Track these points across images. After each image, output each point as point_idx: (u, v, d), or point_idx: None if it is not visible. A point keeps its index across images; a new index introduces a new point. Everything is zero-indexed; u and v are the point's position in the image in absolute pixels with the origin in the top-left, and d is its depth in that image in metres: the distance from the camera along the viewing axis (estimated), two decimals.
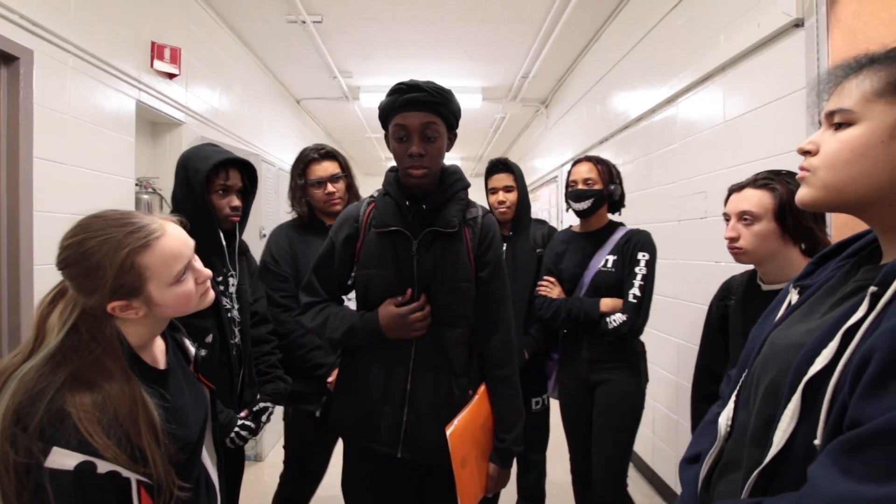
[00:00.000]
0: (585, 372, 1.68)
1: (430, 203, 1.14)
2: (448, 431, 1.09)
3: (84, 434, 0.62)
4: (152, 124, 2.68)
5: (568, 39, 3.46)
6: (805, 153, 0.60)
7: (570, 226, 1.87)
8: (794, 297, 0.65)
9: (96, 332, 0.71)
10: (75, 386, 0.65)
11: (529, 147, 5.93)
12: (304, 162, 1.68)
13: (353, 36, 3.51)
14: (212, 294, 0.85)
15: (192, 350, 0.94)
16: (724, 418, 0.64)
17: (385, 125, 1.15)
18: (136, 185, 2.37)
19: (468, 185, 1.22)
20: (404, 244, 1.14)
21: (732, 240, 1.19)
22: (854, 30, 1.52)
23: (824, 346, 0.51)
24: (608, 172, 1.70)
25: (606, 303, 1.62)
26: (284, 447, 1.74)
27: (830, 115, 0.58)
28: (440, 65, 4.05)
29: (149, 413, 0.69)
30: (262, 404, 1.41)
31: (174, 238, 0.77)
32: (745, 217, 1.17)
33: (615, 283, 1.62)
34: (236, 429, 1.29)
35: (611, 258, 1.65)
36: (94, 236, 0.72)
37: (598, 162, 1.71)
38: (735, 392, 0.65)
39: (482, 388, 1.18)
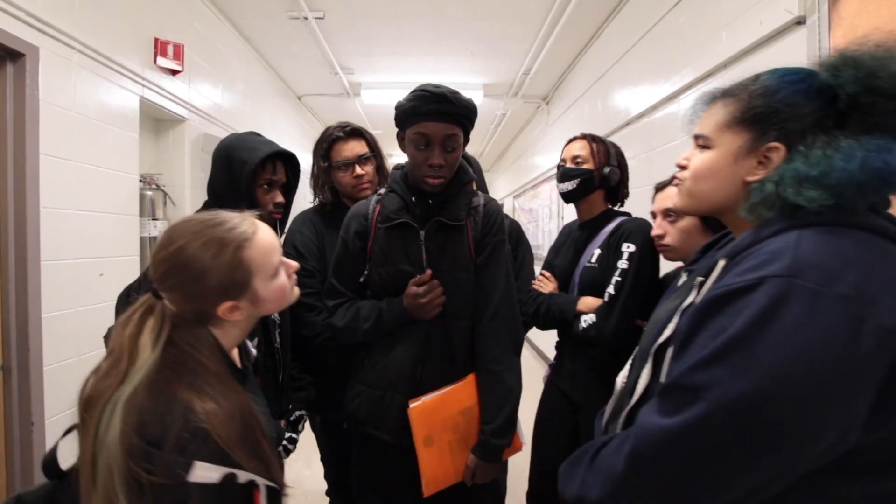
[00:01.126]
0: (568, 387, 1.43)
1: (437, 198, 1.18)
2: (410, 406, 1.12)
3: (224, 447, 0.63)
4: (156, 121, 2.68)
5: (569, 36, 3.46)
6: (680, 167, 0.74)
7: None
8: (682, 280, 0.78)
9: (195, 342, 0.70)
10: (198, 399, 0.65)
11: (530, 144, 5.93)
12: (328, 142, 1.49)
13: (354, 32, 3.51)
14: (297, 288, 0.85)
15: (253, 351, 0.94)
16: (621, 377, 0.78)
17: (402, 127, 1.15)
18: (140, 181, 2.38)
19: (473, 178, 1.24)
20: (412, 235, 1.17)
21: (659, 237, 1.23)
22: (856, 27, 1.53)
23: (669, 322, 0.66)
24: (604, 152, 1.44)
25: (586, 301, 1.37)
26: (322, 461, 1.65)
27: (696, 137, 0.72)
28: (441, 61, 4.05)
29: (258, 418, 0.70)
30: (297, 413, 1.33)
31: (267, 230, 0.78)
32: (669, 214, 1.22)
33: (598, 281, 1.36)
34: (284, 441, 1.24)
35: (597, 252, 1.41)
36: (194, 240, 0.71)
37: (592, 139, 1.46)
38: (632, 357, 0.79)
39: (471, 375, 1.18)
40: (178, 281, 0.70)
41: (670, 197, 1.19)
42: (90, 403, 0.65)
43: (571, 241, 1.53)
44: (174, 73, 2.54)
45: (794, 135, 0.62)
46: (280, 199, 1.27)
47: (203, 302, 0.71)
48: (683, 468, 0.55)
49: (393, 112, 1.15)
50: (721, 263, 0.64)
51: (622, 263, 1.33)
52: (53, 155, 1.77)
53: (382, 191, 1.25)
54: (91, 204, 1.98)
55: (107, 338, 1.21)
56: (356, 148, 1.49)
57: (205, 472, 0.62)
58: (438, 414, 1.13)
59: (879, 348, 0.51)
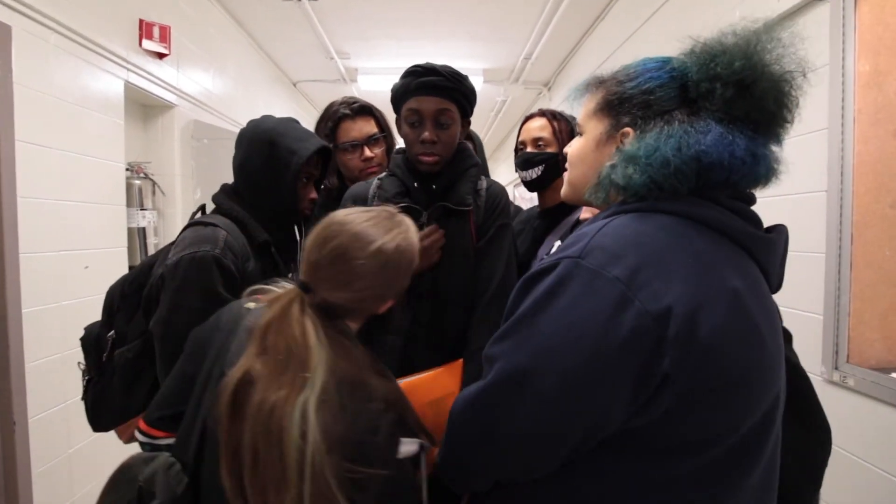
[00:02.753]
0: None
1: (441, 182, 1.12)
2: None
3: (413, 423, 0.71)
4: (143, 107, 2.58)
5: (573, 18, 3.33)
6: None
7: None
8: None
9: (348, 333, 0.74)
10: (381, 383, 0.70)
11: None
12: (334, 121, 1.36)
13: (350, 14, 3.39)
14: None
15: None
16: None
17: (397, 109, 1.12)
18: (127, 169, 2.29)
19: (478, 163, 1.18)
20: (413, 218, 1.09)
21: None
22: (883, 3, 1.43)
23: None
24: (567, 131, 1.28)
25: None
26: None
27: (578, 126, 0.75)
28: (440, 45, 3.92)
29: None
30: None
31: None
32: None
33: None
34: None
35: (557, 244, 1.23)
36: (390, 240, 0.75)
37: (553, 117, 1.30)
38: None
39: (458, 362, 1.09)
40: (374, 280, 0.73)
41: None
42: (261, 409, 0.62)
43: (530, 230, 1.41)
44: (161, 56, 2.44)
45: (643, 120, 0.63)
46: (314, 194, 1.18)
47: (378, 301, 0.78)
48: (476, 430, 0.61)
49: (389, 98, 1.12)
50: (556, 245, 0.67)
51: None
52: (30, 141, 1.68)
53: (383, 175, 1.19)
54: (74, 194, 1.89)
55: (84, 339, 1.15)
56: (365, 128, 1.38)
57: (408, 448, 0.67)
58: None
59: (636, 331, 0.51)
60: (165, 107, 2.60)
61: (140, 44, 2.30)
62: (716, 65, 0.58)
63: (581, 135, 0.72)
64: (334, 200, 1.39)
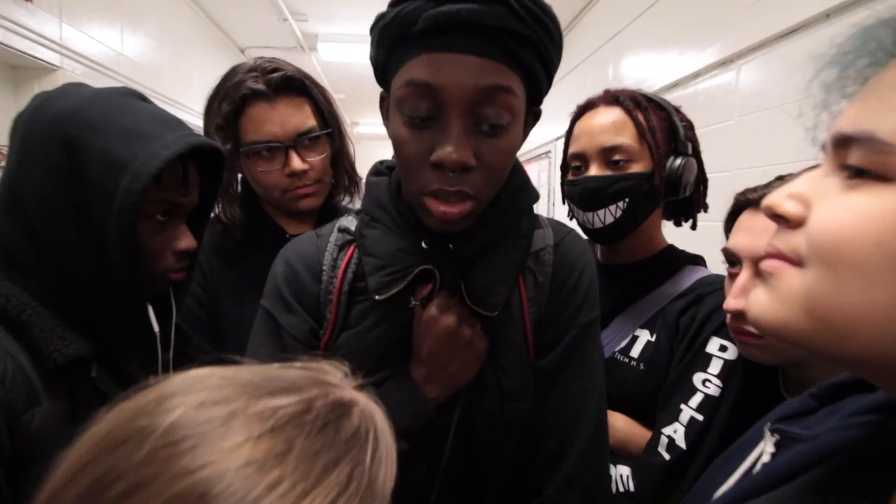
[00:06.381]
0: None
1: (466, 245, 0.57)
2: None
3: None
4: (12, 69, 1.90)
5: None
6: (777, 218, 0.31)
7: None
8: (767, 451, 0.39)
9: None
10: None
11: None
12: (235, 101, 0.80)
13: None
14: None
15: None
16: None
17: (385, 74, 0.55)
18: None
19: (536, 199, 0.63)
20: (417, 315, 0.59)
21: (740, 317, 0.61)
22: None
23: None
24: (666, 129, 0.77)
25: (616, 428, 0.74)
26: None
27: (844, 142, 0.28)
28: None
29: None
30: None
31: None
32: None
33: (641, 391, 0.76)
34: None
35: (644, 335, 0.77)
36: None
37: (636, 105, 0.77)
38: None
39: None
40: None
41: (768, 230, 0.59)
42: None
43: None
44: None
45: None
46: (190, 241, 0.63)
47: None
48: None
49: (358, 72, 0.58)
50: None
51: (710, 377, 0.68)
52: None
53: (350, 217, 0.65)
54: None
55: None
56: (292, 117, 0.82)
57: None
58: None
59: None
60: (45, 69, 1.92)
61: None
62: None
63: (884, 180, 0.26)
64: (238, 245, 0.84)
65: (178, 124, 0.58)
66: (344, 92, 5.22)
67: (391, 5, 0.49)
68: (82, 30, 2.07)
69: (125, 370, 0.58)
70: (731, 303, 0.61)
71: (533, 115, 0.58)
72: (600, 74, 2.99)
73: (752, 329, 0.60)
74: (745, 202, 0.65)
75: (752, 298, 0.32)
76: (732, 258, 0.64)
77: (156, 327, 0.60)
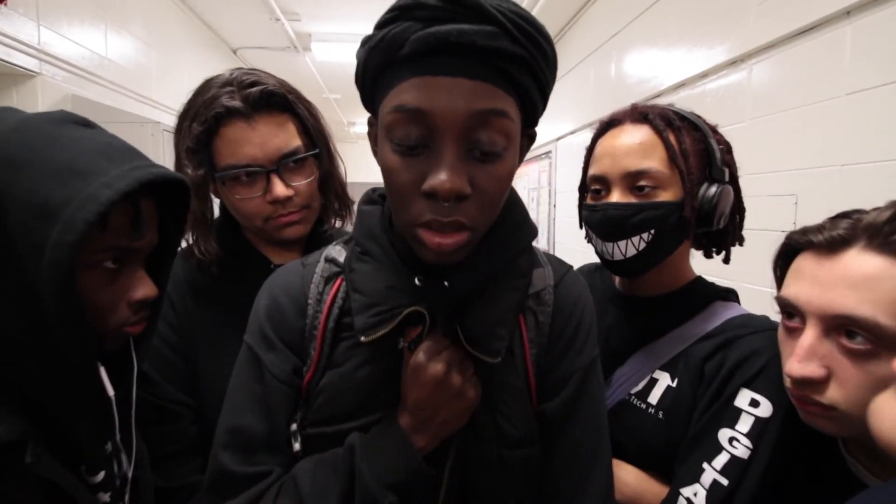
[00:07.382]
0: None
1: (462, 281, 0.53)
2: None
3: None
4: None
5: None
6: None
7: (597, 264, 0.86)
8: None
9: None
10: None
11: None
12: (208, 119, 0.71)
13: None
14: None
15: None
16: None
17: (373, 98, 0.50)
18: None
19: (535, 236, 0.59)
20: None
21: (808, 385, 0.51)
22: None
23: None
24: (700, 152, 0.69)
25: (624, 481, 0.67)
26: None
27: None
28: None
29: None
30: None
31: None
32: (852, 332, 0.49)
33: (659, 441, 0.67)
34: None
35: (664, 379, 0.69)
36: None
37: (667, 123, 0.69)
38: None
39: None
40: None
41: (838, 283, 0.50)
42: None
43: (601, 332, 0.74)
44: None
45: None
46: (149, 288, 0.54)
47: None
48: None
49: (353, 71, 0.53)
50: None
51: (735, 437, 0.60)
52: None
53: (339, 248, 0.61)
54: None
55: None
56: (273, 138, 0.73)
57: None
58: None
59: None
60: (22, 75, 1.83)
61: None
62: None
63: None
64: (210, 280, 0.76)
65: (127, 155, 0.50)
66: (339, 92, 5.13)
67: (377, 27, 0.47)
68: (62, 33, 1.98)
69: (76, 440, 0.50)
70: (797, 368, 0.51)
71: (528, 138, 0.54)
72: (602, 73, 2.90)
73: (821, 399, 0.51)
74: (806, 244, 0.55)
75: (881, 407, 0.26)
76: (790, 309, 0.55)
77: (110, 391, 0.52)
